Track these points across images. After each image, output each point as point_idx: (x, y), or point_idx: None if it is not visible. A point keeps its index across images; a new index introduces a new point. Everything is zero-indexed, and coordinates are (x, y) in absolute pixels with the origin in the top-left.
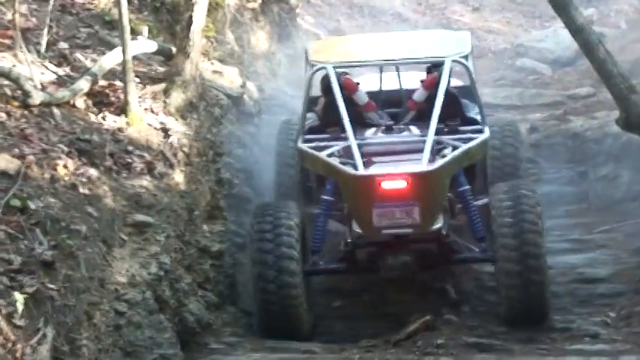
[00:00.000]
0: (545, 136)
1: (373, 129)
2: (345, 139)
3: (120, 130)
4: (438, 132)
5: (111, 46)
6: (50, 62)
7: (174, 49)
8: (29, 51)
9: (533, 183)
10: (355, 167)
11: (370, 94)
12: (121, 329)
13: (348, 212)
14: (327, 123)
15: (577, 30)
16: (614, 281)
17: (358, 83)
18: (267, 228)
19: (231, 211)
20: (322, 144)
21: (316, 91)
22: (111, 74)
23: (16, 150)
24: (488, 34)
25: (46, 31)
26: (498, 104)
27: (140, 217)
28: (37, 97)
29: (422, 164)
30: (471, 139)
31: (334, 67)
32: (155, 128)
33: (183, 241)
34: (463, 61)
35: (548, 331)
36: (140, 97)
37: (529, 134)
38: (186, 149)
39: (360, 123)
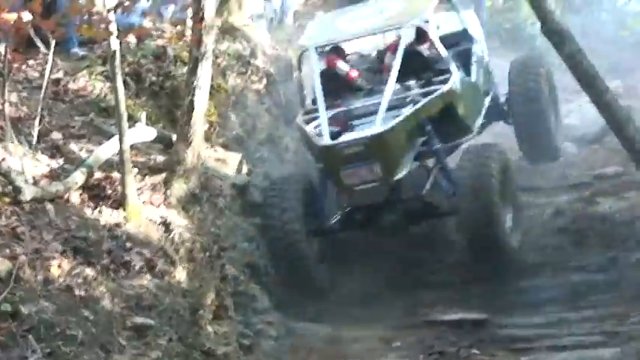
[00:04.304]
0: (572, 221)
1: (360, 93)
2: (339, 106)
3: (117, 225)
4: (409, 88)
5: (107, 135)
6: (43, 154)
7: (174, 137)
8: (20, 142)
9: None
10: (321, 137)
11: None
12: None
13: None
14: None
15: (605, 105)
16: None
17: (338, 56)
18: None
19: (238, 310)
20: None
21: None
22: (107, 165)
23: (7, 250)
24: None
25: (37, 120)
26: (519, 186)
27: (140, 320)
28: (28, 193)
29: (376, 127)
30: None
31: (315, 48)
32: (155, 222)
33: (187, 345)
34: (423, 25)
35: None
36: (139, 189)
37: (554, 219)
38: (188, 244)
39: (350, 89)
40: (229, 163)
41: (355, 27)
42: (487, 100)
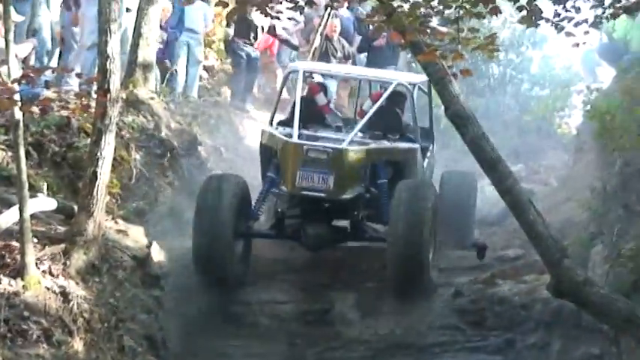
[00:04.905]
0: (471, 301)
1: (329, 127)
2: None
3: (16, 294)
4: (376, 137)
5: (7, 204)
6: None
7: (75, 207)
8: None
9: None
10: (291, 137)
11: None
12: None
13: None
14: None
15: (506, 190)
16: None
17: (322, 89)
18: (208, 191)
19: None
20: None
21: None
22: (7, 234)
23: None
24: None
25: None
26: None
27: None
28: None
29: (342, 145)
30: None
31: (304, 72)
32: (54, 292)
33: None
34: (407, 84)
35: None
36: (38, 259)
37: (453, 299)
38: (87, 315)
39: (322, 121)
40: (130, 235)
41: (347, 69)
42: None
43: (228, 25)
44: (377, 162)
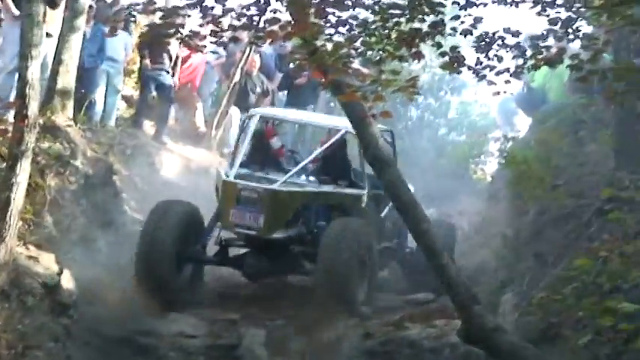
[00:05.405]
0: (380, 343)
1: (281, 170)
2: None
3: None
4: (325, 182)
5: None
6: None
7: None
8: None
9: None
10: (227, 175)
11: None
12: None
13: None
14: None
15: (421, 233)
16: None
17: (276, 133)
18: (154, 214)
19: None
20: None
21: None
22: None
23: None
24: None
25: None
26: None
27: None
28: None
29: (274, 186)
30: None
31: (260, 117)
32: None
33: None
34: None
35: None
36: None
37: (363, 341)
38: None
39: (276, 164)
40: (41, 262)
41: (302, 116)
42: (388, 242)
43: (142, 57)
44: (312, 205)
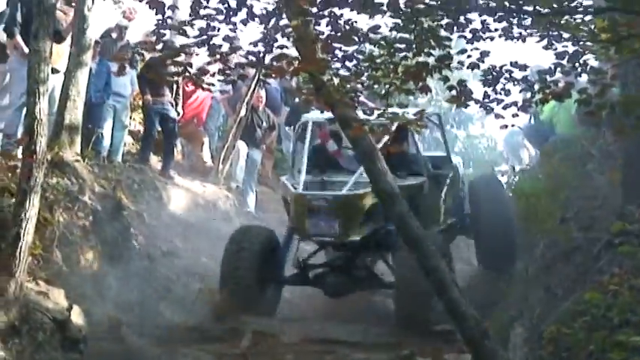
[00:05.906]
0: None
1: (343, 171)
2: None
3: None
4: None
5: None
6: None
7: None
8: None
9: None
10: (295, 187)
11: None
12: None
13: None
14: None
15: (431, 268)
16: None
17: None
18: (233, 243)
19: None
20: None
21: None
22: None
23: None
24: None
25: None
26: (338, 340)
27: None
28: None
29: (342, 191)
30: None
31: (313, 123)
32: None
33: None
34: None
35: None
36: None
37: None
38: None
39: (336, 166)
40: (51, 297)
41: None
42: (450, 220)
43: (142, 92)
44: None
